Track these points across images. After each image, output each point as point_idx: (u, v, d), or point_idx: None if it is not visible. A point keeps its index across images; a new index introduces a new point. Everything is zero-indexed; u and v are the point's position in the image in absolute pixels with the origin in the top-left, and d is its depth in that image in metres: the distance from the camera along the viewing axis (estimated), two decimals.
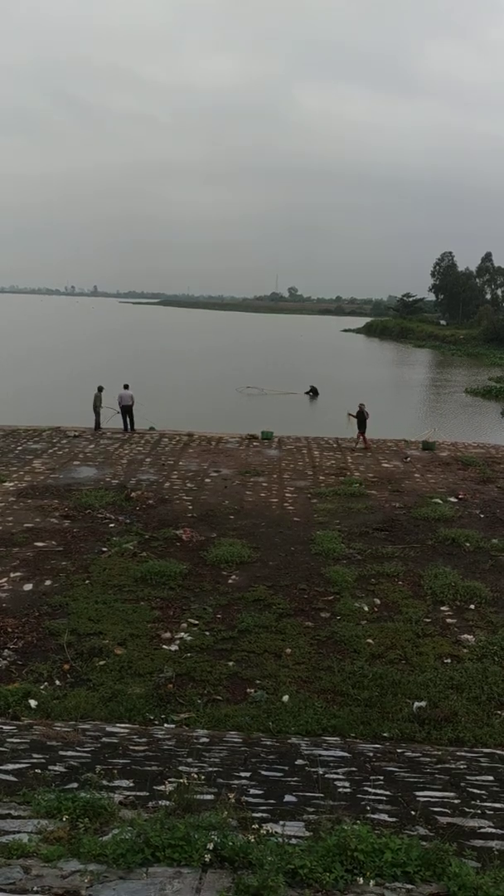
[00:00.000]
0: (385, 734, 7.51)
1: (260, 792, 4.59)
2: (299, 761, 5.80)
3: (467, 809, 4.44)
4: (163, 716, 7.78)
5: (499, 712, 8.07)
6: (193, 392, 40.70)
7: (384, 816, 4.16)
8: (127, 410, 24.87)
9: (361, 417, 23.39)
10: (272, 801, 4.37)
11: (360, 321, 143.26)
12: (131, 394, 25.01)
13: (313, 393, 41.33)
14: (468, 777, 5.61)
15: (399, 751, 6.62)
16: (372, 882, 3.03)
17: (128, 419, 25.01)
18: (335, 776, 5.26)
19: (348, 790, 4.83)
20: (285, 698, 8.21)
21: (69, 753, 5.50)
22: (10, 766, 4.84)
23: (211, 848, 3.13)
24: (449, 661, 9.33)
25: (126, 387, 25.09)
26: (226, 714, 7.82)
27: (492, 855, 3.59)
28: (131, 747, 5.98)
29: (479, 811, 4.41)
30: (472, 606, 11.08)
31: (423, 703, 8.14)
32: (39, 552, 12.87)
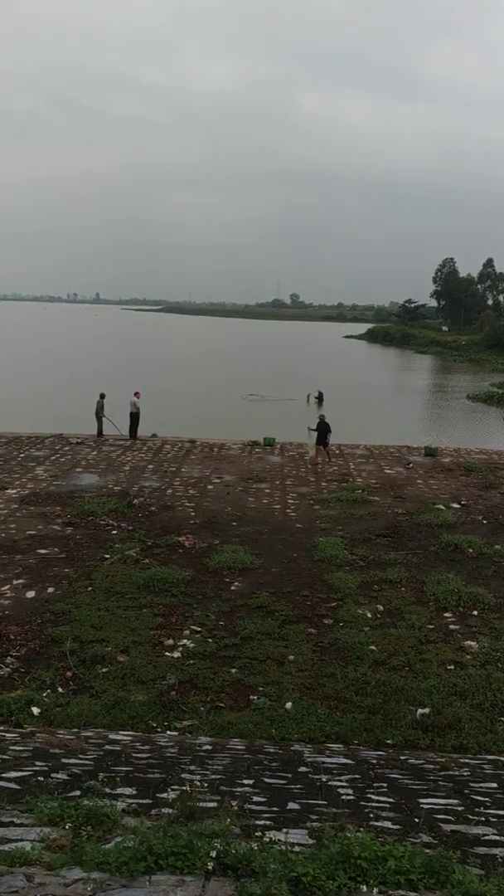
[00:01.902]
0: (388, 741, 7.49)
1: (263, 799, 4.58)
2: (302, 768, 5.78)
3: (471, 817, 4.42)
4: (165, 723, 7.77)
5: (502, 719, 8.04)
6: (195, 398, 40.76)
7: (387, 824, 4.15)
8: (135, 417, 24.98)
9: (322, 430, 22.13)
10: (275, 809, 4.36)
11: (362, 327, 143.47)
12: (135, 401, 25.11)
13: (319, 399, 41.31)
14: (472, 784, 5.58)
15: (402, 758, 6.60)
16: (375, 890, 3.02)
17: (133, 426, 25.12)
18: (338, 783, 5.24)
19: (351, 797, 4.81)
20: (288, 705, 8.19)
21: (72, 761, 5.49)
22: (13, 774, 4.83)
23: (214, 856, 3.12)
24: (452, 667, 9.31)
25: (137, 394, 25.22)
26: (229, 721, 7.80)
27: (496, 862, 3.58)
28: (134, 755, 5.97)
29: (482, 818, 4.39)
30: (476, 612, 11.05)
31: (426, 710, 8.12)
32: (42, 559, 12.87)
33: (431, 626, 10.55)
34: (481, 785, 5.59)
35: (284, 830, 3.78)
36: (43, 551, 13.29)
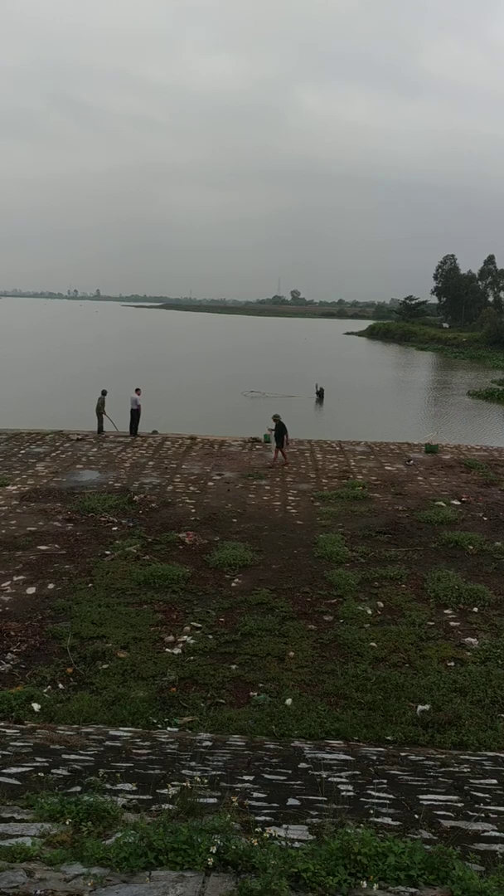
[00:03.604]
0: (388, 737, 7.50)
1: (263, 795, 4.59)
2: (302, 765, 5.79)
3: (471, 813, 4.43)
4: (166, 719, 7.78)
5: (502, 716, 8.05)
6: (196, 395, 40.75)
7: (388, 820, 4.16)
8: (135, 414, 24.97)
9: (279, 431, 21.26)
10: (275, 805, 4.36)
11: (363, 324, 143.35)
12: (136, 397, 25.10)
13: (319, 396, 41.29)
14: (472, 780, 5.59)
15: (402, 754, 6.60)
16: (375, 886, 3.02)
17: (134, 423, 25.11)
18: (338, 780, 5.25)
19: (351, 794, 4.82)
20: (288, 701, 8.20)
21: (72, 757, 5.50)
22: (14, 770, 4.84)
23: (214, 851, 3.13)
24: (452, 664, 9.32)
25: (138, 391, 25.20)
26: (229, 717, 7.82)
27: (495, 858, 3.58)
28: (134, 751, 5.97)
29: (482, 815, 4.40)
30: (476, 609, 11.06)
31: (426, 707, 8.13)
32: (42, 556, 12.88)
33: (432, 623, 10.56)
34: (481, 781, 5.59)
35: (285, 826, 3.79)
36: (43, 548, 13.30)
